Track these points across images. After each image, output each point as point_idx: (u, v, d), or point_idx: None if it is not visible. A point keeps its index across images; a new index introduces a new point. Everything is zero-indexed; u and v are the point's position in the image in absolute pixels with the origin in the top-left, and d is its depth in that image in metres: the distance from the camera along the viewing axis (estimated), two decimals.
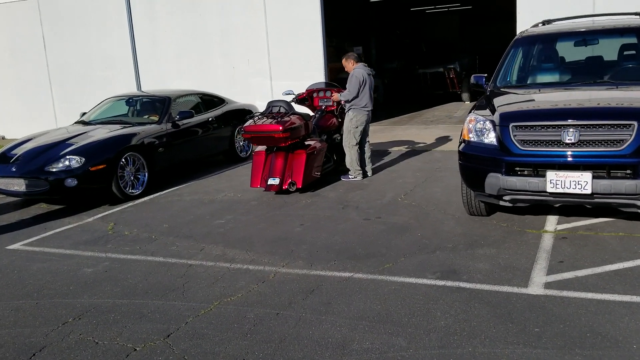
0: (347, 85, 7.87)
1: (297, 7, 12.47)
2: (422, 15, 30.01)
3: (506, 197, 5.26)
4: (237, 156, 10.16)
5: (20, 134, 15.24)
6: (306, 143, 7.72)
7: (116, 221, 6.90)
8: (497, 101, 5.64)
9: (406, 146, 10.55)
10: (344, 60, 8.03)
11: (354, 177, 8.06)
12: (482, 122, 5.35)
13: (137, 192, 7.97)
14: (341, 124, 8.66)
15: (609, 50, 6.46)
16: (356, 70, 7.82)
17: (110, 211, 7.38)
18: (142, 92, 10.11)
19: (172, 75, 13.92)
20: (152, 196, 8.04)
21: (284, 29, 12.69)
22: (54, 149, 7.61)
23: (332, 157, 8.39)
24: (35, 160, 7.45)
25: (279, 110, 7.60)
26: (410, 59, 23.09)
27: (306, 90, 8.87)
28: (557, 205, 5.49)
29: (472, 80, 6.69)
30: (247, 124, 7.49)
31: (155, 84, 13.98)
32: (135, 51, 14.23)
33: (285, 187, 7.44)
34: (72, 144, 7.69)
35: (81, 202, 7.83)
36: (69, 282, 5.02)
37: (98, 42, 14.54)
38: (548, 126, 4.96)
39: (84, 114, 9.47)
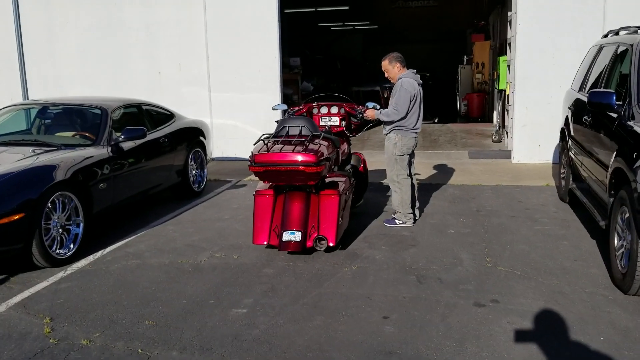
0: (392, 100, 5.67)
1: (246, 1, 10.03)
2: (327, 32, 28.61)
3: None
4: (190, 190, 7.49)
5: None
6: (328, 180, 5.38)
7: (52, 312, 4.08)
8: None
9: None
10: (385, 63, 5.79)
11: (403, 222, 5.87)
12: None
13: (68, 253, 5.12)
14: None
15: None
16: (405, 79, 5.62)
17: (32, 289, 4.50)
18: (64, 99, 7.07)
19: (74, 79, 10.76)
20: (93, 258, 5.21)
21: (229, 28, 10.16)
22: None
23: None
24: None
25: (300, 132, 5.18)
26: (329, 77, 21.43)
27: (304, 105, 6.51)
28: None
29: (589, 98, 4.81)
30: (257, 150, 4.99)
31: (49, 90, 10.70)
32: (21, 47, 10.86)
33: (309, 244, 5.04)
34: None
35: None
36: None
37: None
38: None
39: None
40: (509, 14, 11.05)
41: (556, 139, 9.20)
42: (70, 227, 5.20)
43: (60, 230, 5.06)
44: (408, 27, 28.53)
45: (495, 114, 14.99)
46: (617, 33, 6.07)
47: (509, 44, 11.10)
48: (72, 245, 5.18)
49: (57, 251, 5.02)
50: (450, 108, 19.79)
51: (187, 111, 9.48)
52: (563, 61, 9.11)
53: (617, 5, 8.86)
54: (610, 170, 4.46)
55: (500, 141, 12.06)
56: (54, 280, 4.69)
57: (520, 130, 9.59)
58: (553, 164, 9.25)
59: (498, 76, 12.66)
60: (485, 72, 17.67)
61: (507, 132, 11.41)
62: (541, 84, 9.32)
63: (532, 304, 4.05)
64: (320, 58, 23.19)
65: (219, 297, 4.30)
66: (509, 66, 11.09)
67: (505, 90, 11.62)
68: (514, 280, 4.48)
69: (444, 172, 8.96)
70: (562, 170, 6.94)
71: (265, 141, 5.05)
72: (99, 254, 5.33)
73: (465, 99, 17.77)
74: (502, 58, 11.96)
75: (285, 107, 6.53)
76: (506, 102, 11.52)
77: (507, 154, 10.17)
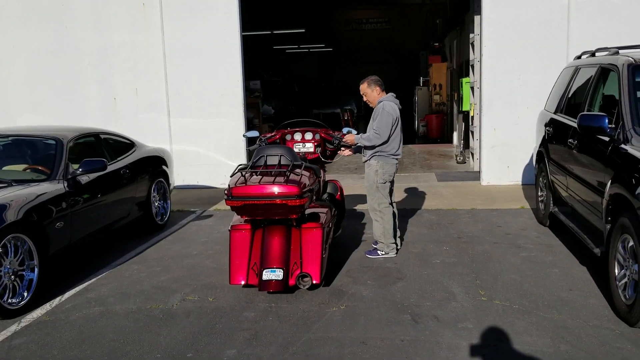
0: (373, 124, 5.39)
1: (206, 23, 9.66)
2: (283, 54, 28.45)
3: None
4: (153, 223, 7.01)
5: None
6: (309, 212, 5.03)
7: None
8: None
9: None
10: (364, 86, 5.52)
11: (386, 253, 5.57)
12: None
13: (21, 302, 4.58)
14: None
15: None
16: (386, 103, 5.37)
17: None
18: (12, 130, 6.48)
19: (20, 107, 10.10)
20: (50, 306, 4.69)
21: (189, 52, 9.75)
22: None
23: None
24: None
25: (279, 162, 4.83)
26: (287, 99, 21.20)
27: (277, 131, 6.17)
28: None
29: (580, 122, 4.66)
30: (234, 183, 4.60)
31: None
32: None
33: (292, 282, 4.67)
34: None
35: None
36: None
37: None
38: None
39: None
40: (471, 35, 11.07)
41: (525, 160, 9.19)
42: (24, 273, 4.67)
43: (13, 277, 4.53)
44: (362, 49, 28.79)
45: (455, 134, 15.00)
46: (592, 54, 6.00)
47: (472, 66, 11.10)
48: (25, 293, 4.65)
49: (9, 301, 4.48)
50: (407, 128, 19.81)
51: (146, 138, 9.02)
52: (529, 82, 9.10)
53: (580, 28, 8.92)
54: (606, 196, 4.28)
55: (465, 162, 11.99)
56: (7, 335, 4.16)
57: (489, 152, 9.49)
58: (523, 185, 9.18)
59: (460, 98, 12.64)
60: (443, 94, 17.77)
61: (472, 154, 11.36)
62: (509, 105, 9.27)
63: (539, 342, 3.79)
64: (278, 81, 22.95)
65: (197, 348, 3.87)
66: (472, 87, 11.08)
67: (469, 112, 11.58)
68: (514, 316, 4.22)
69: (415, 195, 8.74)
70: (539, 193, 6.80)
71: (243, 172, 4.68)
72: (56, 301, 4.81)
73: (424, 120, 17.79)
74: (464, 80, 11.95)
75: (257, 133, 6.16)
76: (470, 123, 11.49)
77: (475, 176, 10.07)
